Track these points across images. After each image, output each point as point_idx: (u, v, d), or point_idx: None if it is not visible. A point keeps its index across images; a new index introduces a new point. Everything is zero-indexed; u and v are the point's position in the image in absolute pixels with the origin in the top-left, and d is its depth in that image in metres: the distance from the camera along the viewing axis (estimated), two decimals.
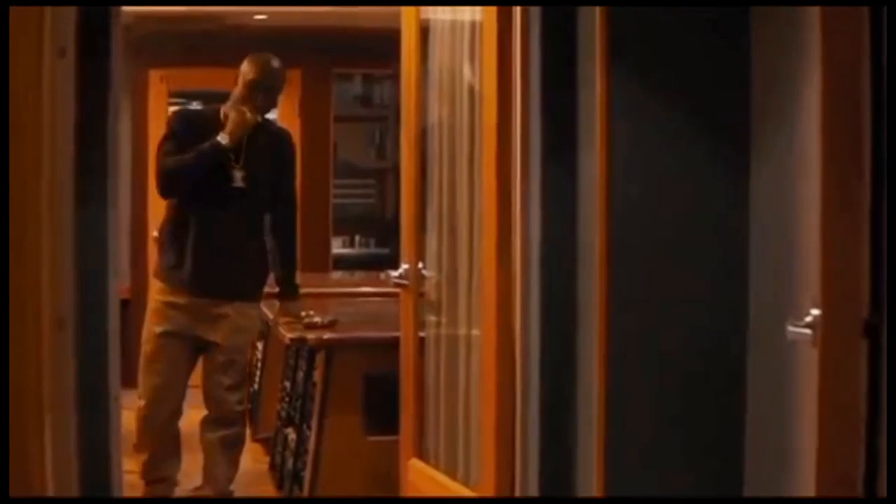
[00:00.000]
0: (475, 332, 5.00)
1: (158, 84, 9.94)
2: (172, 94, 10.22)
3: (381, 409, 5.77)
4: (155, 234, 9.87)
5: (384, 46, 6.69)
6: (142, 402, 5.65)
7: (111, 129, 3.51)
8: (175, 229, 5.69)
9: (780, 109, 3.64)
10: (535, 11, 4.29)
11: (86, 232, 3.09)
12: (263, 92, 5.71)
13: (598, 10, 3.85)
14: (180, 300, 5.62)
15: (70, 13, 2.29)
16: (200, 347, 5.70)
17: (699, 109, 3.91)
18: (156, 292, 5.76)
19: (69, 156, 2.27)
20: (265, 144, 5.78)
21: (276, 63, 5.80)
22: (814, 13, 2.99)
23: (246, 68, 5.69)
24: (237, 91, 5.70)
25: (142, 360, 5.67)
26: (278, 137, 6.01)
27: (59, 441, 2.11)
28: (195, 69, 9.95)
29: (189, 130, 5.67)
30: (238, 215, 5.67)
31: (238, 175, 5.63)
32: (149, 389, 5.64)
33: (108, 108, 3.43)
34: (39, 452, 2.05)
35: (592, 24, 3.93)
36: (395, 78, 5.94)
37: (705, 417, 3.93)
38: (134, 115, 9.80)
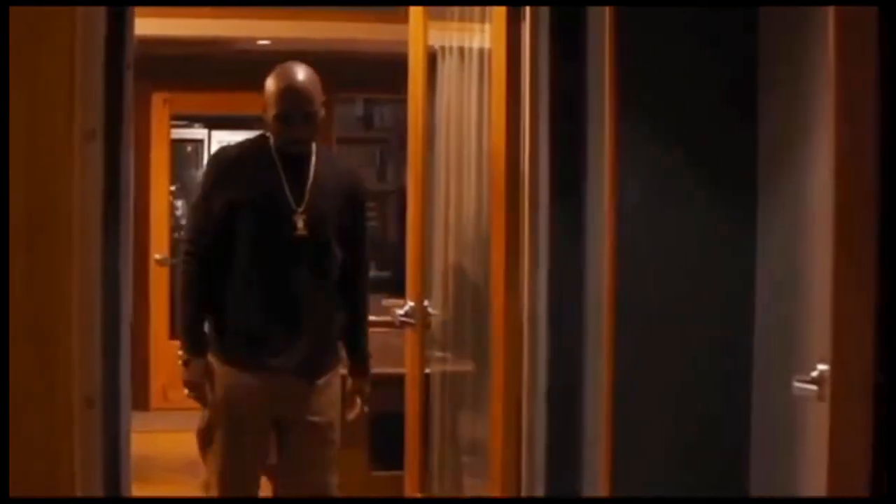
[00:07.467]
0: (482, 369, 5.03)
1: (161, 107, 9.98)
2: (175, 117, 10.28)
3: (386, 444, 5.78)
4: (158, 257, 9.99)
5: (386, 72, 6.71)
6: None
7: (126, 203, 3.56)
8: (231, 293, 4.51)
9: (788, 164, 3.67)
10: (544, 62, 4.33)
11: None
12: (300, 124, 4.45)
13: (607, 64, 3.89)
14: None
15: (98, 94, 2.32)
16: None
17: (707, 164, 3.94)
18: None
19: (98, 240, 2.31)
20: (334, 187, 4.58)
21: (302, 77, 4.46)
22: (824, 64, 3.01)
23: (270, 96, 4.46)
24: (268, 122, 4.51)
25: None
26: (348, 179, 4.68)
27: None
28: (198, 93, 10.00)
29: (224, 181, 4.50)
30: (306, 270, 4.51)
31: (300, 221, 4.47)
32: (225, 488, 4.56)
33: (123, 192, 3.49)
34: None
35: (602, 72, 3.96)
36: (397, 101, 5.83)
37: (710, 470, 3.95)
38: (136, 138, 9.77)
